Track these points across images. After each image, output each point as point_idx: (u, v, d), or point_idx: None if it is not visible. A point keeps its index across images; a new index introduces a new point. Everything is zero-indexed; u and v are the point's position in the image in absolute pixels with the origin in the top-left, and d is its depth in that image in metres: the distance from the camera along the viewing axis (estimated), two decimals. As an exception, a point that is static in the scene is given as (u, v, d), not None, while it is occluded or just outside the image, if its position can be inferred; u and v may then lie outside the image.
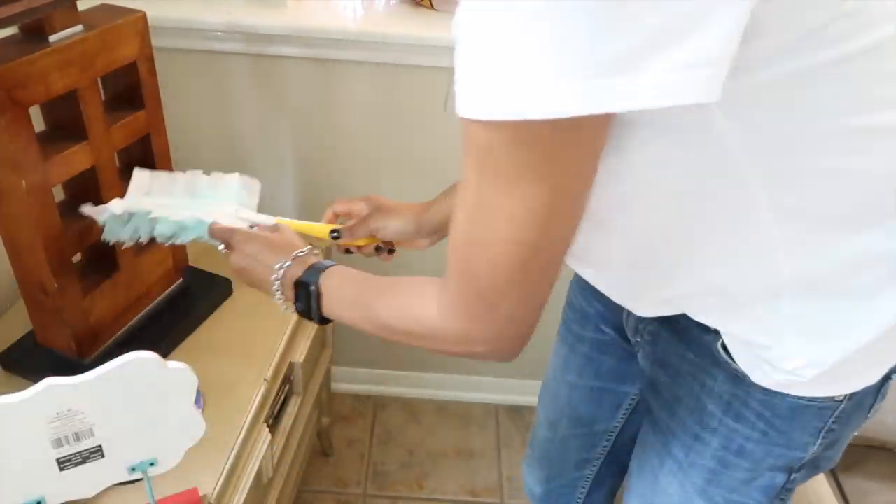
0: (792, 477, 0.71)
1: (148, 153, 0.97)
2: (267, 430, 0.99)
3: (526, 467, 1.06)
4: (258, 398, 0.97)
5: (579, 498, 1.01)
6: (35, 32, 0.77)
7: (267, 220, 0.83)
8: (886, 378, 0.67)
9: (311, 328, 1.17)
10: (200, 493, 0.81)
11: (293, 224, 0.84)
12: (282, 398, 1.10)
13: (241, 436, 0.92)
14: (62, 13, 0.78)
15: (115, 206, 0.83)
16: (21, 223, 0.81)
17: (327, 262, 0.72)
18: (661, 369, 0.74)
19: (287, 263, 0.72)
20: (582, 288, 0.88)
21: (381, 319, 0.64)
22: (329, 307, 0.70)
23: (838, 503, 1.13)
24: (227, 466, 0.88)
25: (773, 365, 0.62)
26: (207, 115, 1.31)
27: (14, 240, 0.84)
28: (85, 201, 0.90)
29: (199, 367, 0.70)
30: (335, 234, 0.87)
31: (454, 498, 1.52)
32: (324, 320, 0.71)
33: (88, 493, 0.71)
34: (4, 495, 0.66)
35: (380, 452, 1.59)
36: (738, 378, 0.65)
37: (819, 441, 0.67)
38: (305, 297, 0.70)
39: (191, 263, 1.11)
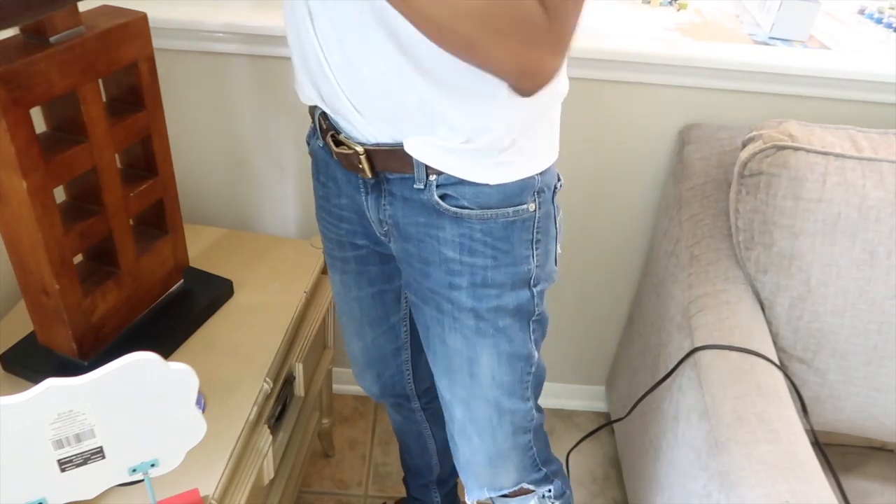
0: (536, 290, 0.84)
1: (149, 154, 0.97)
2: (268, 430, 0.99)
3: (358, 377, 1.17)
4: (259, 399, 0.97)
5: (408, 377, 1.14)
6: (36, 34, 0.77)
7: None
8: (556, 187, 0.83)
9: (313, 329, 1.17)
10: (201, 494, 0.81)
11: None
12: (283, 399, 1.10)
13: (243, 437, 0.92)
14: (63, 14, 0.78)
15: None
16: (22, 224, 0.81)
17: None
18: (407, 244, 0.84)
19: None
20: (326, 217, 0.96)
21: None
22: None
23: (839, 504, 1.14)
24: (229, 467, 0.88)
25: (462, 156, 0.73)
26: (208, 116, 1.31)
27: (15, 241, 0.84)
28: (86, 202, 0.90)
29: (201, 367, 0.70)
30: None
31: (455, 499, 1.52)
32: None
33: (90, 494, 0.71)
34: (6, 496, 0.66)
35: (381, 453, 1.59)
36: (459, 218, 0.78)
37: (535, 252, 0.82)
38: None
39: (191, 264, 1.11)
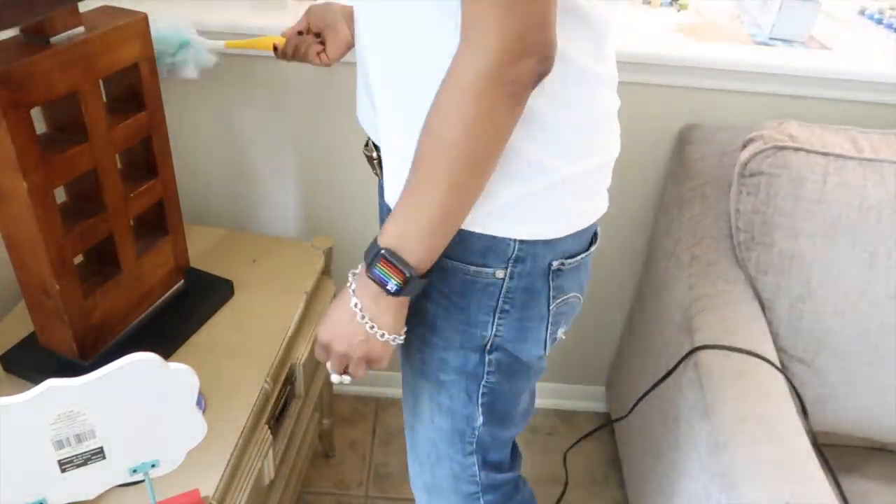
0: (491, 358, 0.77)
1: (149, 154, 0.97)
2: (268, 431, 0.99)
3: None
4: (259, 399, 0.97)
5: None
6: (36, 34, 0.77)
7: (215, 45, 1.00)
8: (551, 266, 0.72)
9: (313, 330, 1.17)
10: (202, 495, 0.81)
11: (240, 43, 0.99)
12: (283, 399, 1.10)
13: (243, 437, 0.92)
14: (64, 15, 0.78)
15: None
16: (22, 224, 0.81)
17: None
18: None
19: (352, 284, 0.69)
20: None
21: (447, 150, 0.59)
22: (407, 237, 0.63)
23: (840, 504, 1.14)
24: (229, 468, 0.88)
25: None
26: (208, 117, 1.31)
27: (16, 241, 0.84)
28: (86, 202, 0.90)
29: (201, 368, 0.70)
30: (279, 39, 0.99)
31: (455, 499, 1.52)
32: (426, 273, 0.66)
33: (90, 495, 0.71)
34: (6, 496, 0.66)
35: (381, 454, 1.59)
36: None
37: (496, 321, 0.74)
38: (385, 269, 0.65)
39: (192, 265, 1.11)
